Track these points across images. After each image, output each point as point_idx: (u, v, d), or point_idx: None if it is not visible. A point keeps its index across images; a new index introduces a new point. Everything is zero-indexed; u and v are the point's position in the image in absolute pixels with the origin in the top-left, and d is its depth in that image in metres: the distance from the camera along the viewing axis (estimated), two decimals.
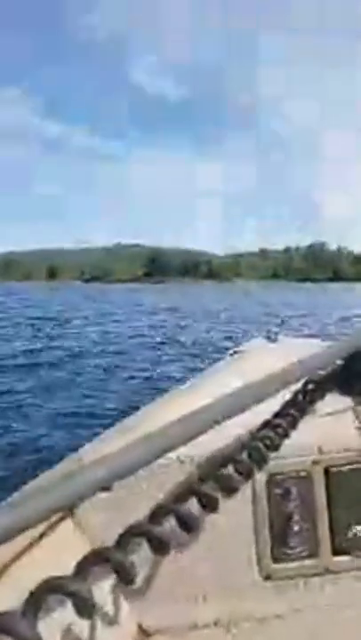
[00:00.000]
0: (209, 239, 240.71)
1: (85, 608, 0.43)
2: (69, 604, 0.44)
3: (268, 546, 0.94)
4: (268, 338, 2.02)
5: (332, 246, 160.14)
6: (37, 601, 0.42)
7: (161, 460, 0.79)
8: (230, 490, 0.71)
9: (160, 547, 0.53)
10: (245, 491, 0.91)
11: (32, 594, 0.43)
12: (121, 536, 0.53)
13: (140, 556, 0.57)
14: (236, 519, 0.93)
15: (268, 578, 0.93)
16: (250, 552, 0.94)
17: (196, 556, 0.89)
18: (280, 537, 0.94)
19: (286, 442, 0.87)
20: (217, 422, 0.67)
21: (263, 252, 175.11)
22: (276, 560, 0.94)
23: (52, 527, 0.78)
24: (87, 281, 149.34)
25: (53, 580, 0.44)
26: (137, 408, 1.26)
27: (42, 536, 0.75)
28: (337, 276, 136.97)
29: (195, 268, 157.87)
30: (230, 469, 0.75)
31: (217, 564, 0.92)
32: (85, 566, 0.49)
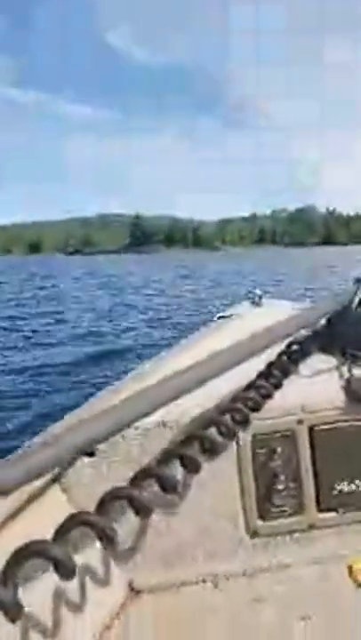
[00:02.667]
0: (196, 206, 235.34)
1: (66, 571, 0.44)
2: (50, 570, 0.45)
3: (253, 504, 0.94)
4: (253, 302, 2.04)
5: (321, 209, 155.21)
6: (16, 566, 0.43)
7: (144, 423, 0.85)
8: (213, 451, 0.72)
9: (142, 509, 0.54)
10: (231, 451, 0.92)
11: (11, 559, 0.43)
12: (102, 500, 0.54)
13: (126, 518, 0.60)
14: (222, 479, 0.93)
15: (254, 535, 0.95)
16: (236, 510, 0.94)
17: (183, 516, 0.91)
18: (265, 495, 0.95)
19: (270, 402, 0.88)
20: (200, 384, 0.67)
21: (252, 218, 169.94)
22: (261, 517, 0.95)
23: (36, 492, 0.78)
24: (70, 254, 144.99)
25: (32, 545, 0.44)
26: None
27: (28, 500, 0.75)
28: (329, 240, 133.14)
29: (182, 236, 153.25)
30: (213, 431, 0.76)
31: (204, 523, 0.93)
32: (65, 530, 0.49)
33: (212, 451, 0.72)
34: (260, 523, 0.95)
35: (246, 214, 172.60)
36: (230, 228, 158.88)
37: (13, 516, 0.72)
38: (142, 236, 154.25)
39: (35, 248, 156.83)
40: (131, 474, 0.61)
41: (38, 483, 0.77)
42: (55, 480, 0.84)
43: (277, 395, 0.91)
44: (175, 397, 0.64)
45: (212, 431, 0.76)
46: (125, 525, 0.82)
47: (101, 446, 0.85)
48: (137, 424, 0.72)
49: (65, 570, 0.44)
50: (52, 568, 0.45)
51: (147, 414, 0.60)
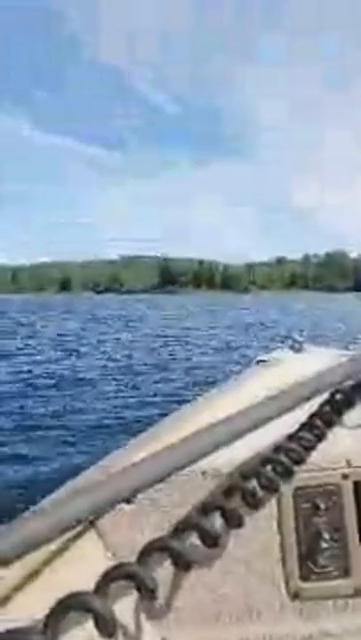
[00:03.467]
0: (222, 249, 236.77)
1: (106, 626, 0.43)
2: (91, 620, 0.45)
3: (295, 563, 0.90)
4: (293, 347, 1.99)
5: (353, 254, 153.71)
6: (58, 617, 0.43)
7: (184, 473, 0.82)
8: (255, 504, 0.70)
9: (182, 562, 0.54)
10: (272, 505, 0.89)
11: (53, 609, 0.43)
12: (142, 551, 0.53)
13: (163, 571, 0.59)
14: (262, 535, 0.90)
15: (295, 597, 0.90)
16: (277, 570, 0.90)
17: (221, 573, 0.87)
18: (308, 554, 0.90)
19: (314, 454, 0.85)
20: (241, 434, 0.66)
21: (280, 261, 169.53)
22: (304, 578, 0.90)
23: (74, 539, 0.77)
24: (99, 292, 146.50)
25: (74, 596, 0.44)
26: None
27: (64, 547, 0.74)
28: (359, 285, 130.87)
29: (209, 277, 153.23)
30: (254, 483, 0.73)
31: (243, 581, 0.89)
32: (107, 582, 0.49)
33: (253, 503, 0.70)
34: (302, 584, 0.89)
35: (275, 257, 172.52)
36: (259, 270, 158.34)
37: (50, 560, 0.71)
38: (170, 276, 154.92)
39: (65, 286, 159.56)
40: (169, 524, 0.60)
41: (76, 529, 0.74)
42: (93, 525, 0.83)
43: (321, 447, 0.87)
44: (215, 447, 0.62)
45: (253, 483, 0.73)
46: (162, 578, 0.75)
47: (141, 494, 0.84)
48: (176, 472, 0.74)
49: (105, 626, 0.44)
50: (87, 620, 0.44)
51: (186, 464, 0.59)
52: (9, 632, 0.40)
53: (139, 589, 0.49)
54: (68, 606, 0.43)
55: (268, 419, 0.70)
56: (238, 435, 0.65)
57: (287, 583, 0.89)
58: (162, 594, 0.83)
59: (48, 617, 0.43)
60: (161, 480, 0.56)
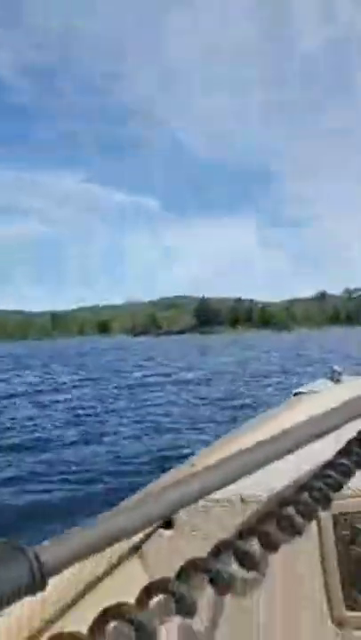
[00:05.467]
0: (257, 287, 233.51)
1: (145, 637, 0.44)
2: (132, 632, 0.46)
3: (339, 591, 0.89)
4: (332, 378, 1.95)
5: None
6: (100, 627, 0.44)
7: (223, 499, 0.86)
8: (292, 531, 0.70)
9: (220, 585, 0.53)
10: (312, 532, 0.89)
11: (95, 619, 0.45)
12: (181, 569, 0.54)
13: (202, 594, 0.57)
14: (302, 562, 0.89)
15: (340, 626, 0.88)
16: (320, 597, 0.89)
17: (260, 598, 0.86)
18: (352, 582, 0.88)
19: (352, 481, 0.83)
20: (276, 457, 0.65)
21: (322, 296, 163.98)
22: (350, 607, 0.88)
23: (117, 562, 0.78)
24: (136, 334, 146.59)
25: (116, 607, 0.45)
26: None
27: (107, 572, 0.76)
28: None
29: (246, 315, 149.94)
30: (292, 510, 0.73)
31: (283, 608, 0.87)
32: (147, 596, 0.50)
33: (291, 530, 0.70)
34: (347, 613, 0.88)
35: (313, 293, 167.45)
36: (297, 307, 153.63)
37: (94, 583, 0.72)
38: (207, 316, 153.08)
39: (104, 329, 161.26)
40: (208, 548, 0.60)
41: (117, 547, 0.77)
42: (136, 549, 0.84)
43: (359, 473, 0.85)
44: (251, 471, 0.61)
45: (291, 510, 0.73)
46: (200, 600, 0.74)
47: (180, 518, 0.87)
48: (215, 497, 0.77)
49: (145, 638, 0.44)
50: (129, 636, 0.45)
51: (222, 486, 0.58)
52: (52, 639, 0.43)
53: (177, 603, 0.49)
54: (110, 616, 0.45)
55: (304, 444, 0.69)
56: (274, 458, 0.64)
57: (331, 611, 0.87)
58: (200, 617, 0.81)
59: (91, 627, 0.44)
60: (196, 501, 0.55)
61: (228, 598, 0.82)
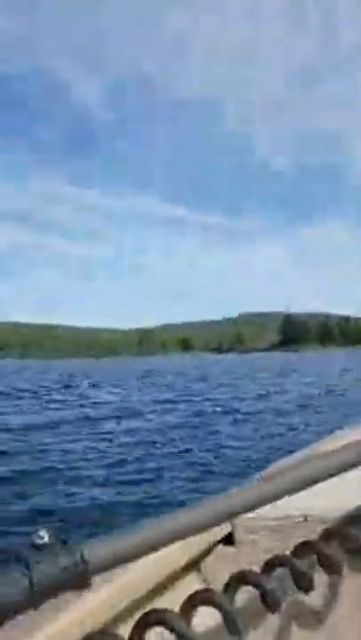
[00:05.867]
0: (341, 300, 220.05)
1: None
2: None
3: None
4: None
5: None
6: (140, 631, 0.45)
7: (285, 516, 0.86)
8: (354, 552, 0.69)
9: (271, 600, 0.52)
10: None
11: (137, 623, 0.45)
12: (230, 580, 0.53)
13: (252, 609, 0.56)
14: None
15: None
16: None
17: (314, 621, 0.79)
18: None
19: None
20: (337, 471, 0.61)
21: None
22: None
23: (176, 576, 0.78)
24: (220, 352, 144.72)
25: (158, 612, 0.45)
26: None
27: (163, 583, 0.75)
28: None
29: (336, 332, 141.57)
30: (357, 530, 0.71)
31: (337, 632, 0.81)
32: (191, 605, 0.49)
33: (352, 551, 0.66)
34: None
35: None
36: None
37: (150, 597, 0.72)
38: (292, 332, 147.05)
39: (186, 346, 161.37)
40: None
41: (176, 560, 0.76)
42: (195, 564, 0.83)
43: None
44: (308, 486, 0.58)
45: (356, 530, 0.69)
46: (248, 615, 0.70)
47: (240, 536, 0.87)
48: (277, 515, 0.79)
49: None
50: None
51: (281, 496, 0.56)
52: (86, 638, 0.44)
53: (226, 620, 0.49)
54: (151, 622, 0.45)
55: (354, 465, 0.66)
56: (335, 473, 0.61)
57: None
58: (249, 634, 0.75)
59: (133, 631, 0.45)
60: (254, 508, 0.53)
61: (279, 618, 0.76)
